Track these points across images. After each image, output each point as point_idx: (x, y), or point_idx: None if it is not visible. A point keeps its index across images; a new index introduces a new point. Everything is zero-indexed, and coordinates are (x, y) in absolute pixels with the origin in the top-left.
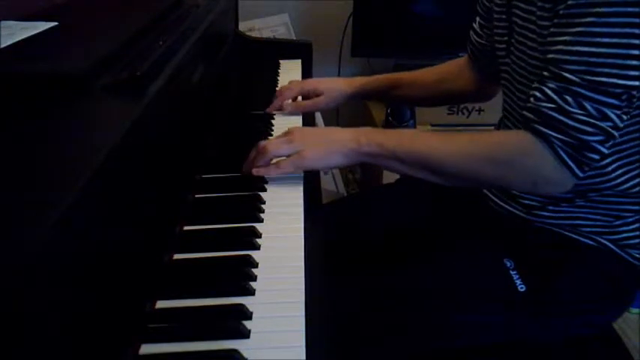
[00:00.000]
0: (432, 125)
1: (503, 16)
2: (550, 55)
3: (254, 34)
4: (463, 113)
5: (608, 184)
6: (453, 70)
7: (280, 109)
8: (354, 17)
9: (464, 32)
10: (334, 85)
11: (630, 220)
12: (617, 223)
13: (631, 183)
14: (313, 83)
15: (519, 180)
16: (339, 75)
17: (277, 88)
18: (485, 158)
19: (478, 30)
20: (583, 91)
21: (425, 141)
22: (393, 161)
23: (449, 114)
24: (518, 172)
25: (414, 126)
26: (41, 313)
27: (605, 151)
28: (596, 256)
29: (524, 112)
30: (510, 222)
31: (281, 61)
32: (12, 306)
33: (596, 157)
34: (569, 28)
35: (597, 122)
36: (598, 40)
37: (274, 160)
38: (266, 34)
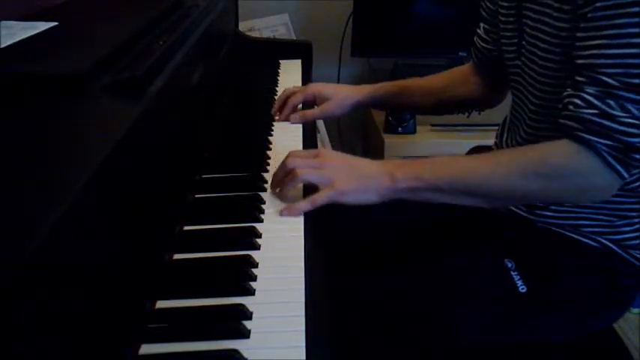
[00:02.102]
0: (432, 125)
1: (511, 19)
2: (582, 61)
3: (254, 34)
4: (463, 113)
5: None
6: (458, 76)
7: (287, 119)
8: (354, 17)
9: (463, 32)
10: (342, 92)
11: (633, 220)
12: (620, 223)
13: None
14: (317, 88)
15: (567, 191)
16: (338, 75)
17: (277, 90)
18: (530, 174)
19: (483, 35)
20: (624, 93)
21: (462, 165)
22: (432, 192)
23: None
24: (566, 183)
25: (414, 126)
26: (41, 312)
27: None
28: (597, 257)
29: (563, 121)
30: (512, 222)
31: (281, 61)
32: (12, 306)
33: None
34: (601, 31)
35: None
36: (632, 40)
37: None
38: (266, 34)
